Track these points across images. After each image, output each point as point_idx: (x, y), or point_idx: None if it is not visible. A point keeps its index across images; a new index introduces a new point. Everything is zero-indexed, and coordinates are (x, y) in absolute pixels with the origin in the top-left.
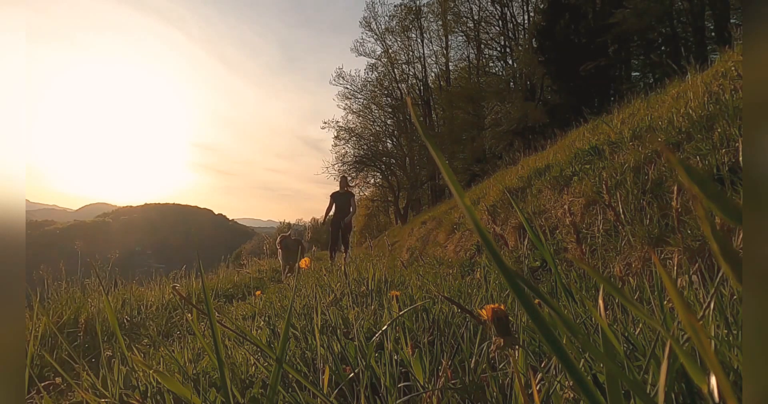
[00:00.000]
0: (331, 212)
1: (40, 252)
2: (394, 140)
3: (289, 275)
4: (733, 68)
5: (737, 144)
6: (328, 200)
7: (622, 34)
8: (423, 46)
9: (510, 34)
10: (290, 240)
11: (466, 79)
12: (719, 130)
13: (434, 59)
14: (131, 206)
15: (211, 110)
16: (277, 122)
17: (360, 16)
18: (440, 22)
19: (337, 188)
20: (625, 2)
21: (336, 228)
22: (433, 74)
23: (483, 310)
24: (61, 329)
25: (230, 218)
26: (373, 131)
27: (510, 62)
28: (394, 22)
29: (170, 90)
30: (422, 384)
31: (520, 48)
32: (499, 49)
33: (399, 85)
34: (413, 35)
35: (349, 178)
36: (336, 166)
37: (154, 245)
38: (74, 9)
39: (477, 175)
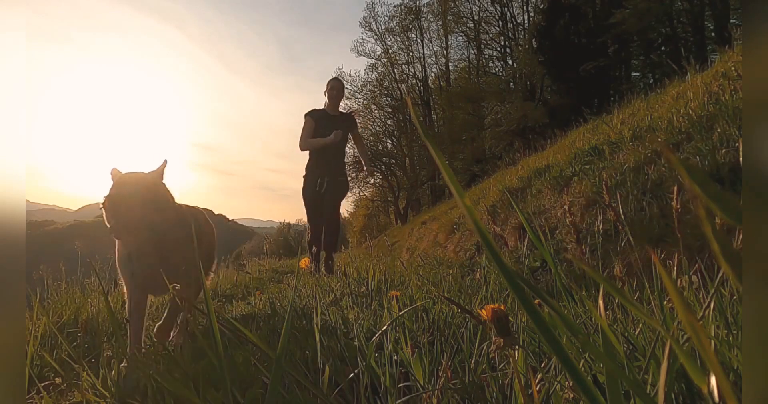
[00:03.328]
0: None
1: (40, 252)
2: (394, 140)
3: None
4: (733, 68)
5: (737, 144)
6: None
7: (622, 35)
8: (423, 46)
9: (510, 35)
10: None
11: (466, 79)
12: (719, 130)
13: (434, 59)
14: None
15: (211, 110)
16: (277, 122)
17: (360, 16)
18: (440, 23)
19: (322, 107)
20: (625, 2)
21: (314, 196)
22: (433, 74)
23: (483, 310)
24: (61, 329)
25: (230, 219)
26: (373, 131)
27: (510, 62)
28: (394, 22)
29: (170, 90)
30: (422, 384)
31: (520, 48)
32: (499, 49)
33: (399, 85)
34: (413, 35)
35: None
36: None
37: None
38: (74, 9)
39: (477, 175)
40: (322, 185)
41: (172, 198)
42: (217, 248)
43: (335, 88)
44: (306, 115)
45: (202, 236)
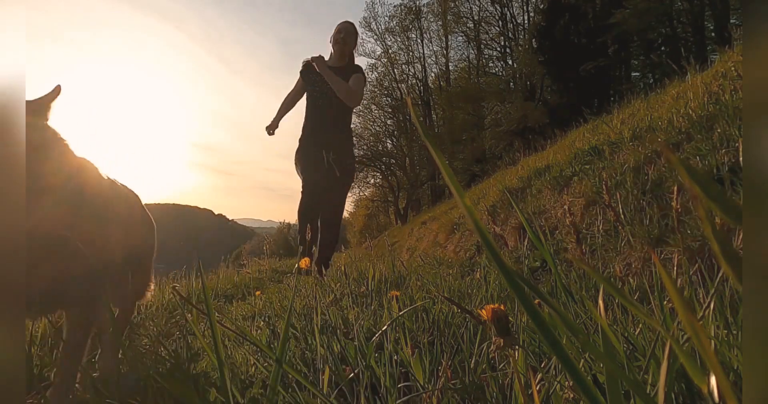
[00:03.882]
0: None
1: None
2: (394, 140)
3: None
4: (733, 68)
5: (737, 144)
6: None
7: (622, 35)
8: (423, 46)
9: (510, 35)
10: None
11: (466, 79)
12: (719, 130)
13: (434, 59)
14: None
15: (211, 110)
16: None
17: (360, 16)
18: (440, 23)
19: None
20: (625, 2)
21: (317, 176)
22: (433, 74)
23: (483, 310)
24: (61, 329)
25: (230, 219)
26: (373, 131)
27: (510, 62)
28: (394, 22)
29: (170, 90)
30: (422, 384)
31: (520, 48)
32: (499, 49)
33: (399, 85)
34: (413, 35)
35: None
36: None
37: None
38: (74, 8)
39: (477, 175)
40: (329, 162)
41: (94, 167)
42: (218, 249)
43: (344, 30)
44: (303, 70)
45: (133, 233)
